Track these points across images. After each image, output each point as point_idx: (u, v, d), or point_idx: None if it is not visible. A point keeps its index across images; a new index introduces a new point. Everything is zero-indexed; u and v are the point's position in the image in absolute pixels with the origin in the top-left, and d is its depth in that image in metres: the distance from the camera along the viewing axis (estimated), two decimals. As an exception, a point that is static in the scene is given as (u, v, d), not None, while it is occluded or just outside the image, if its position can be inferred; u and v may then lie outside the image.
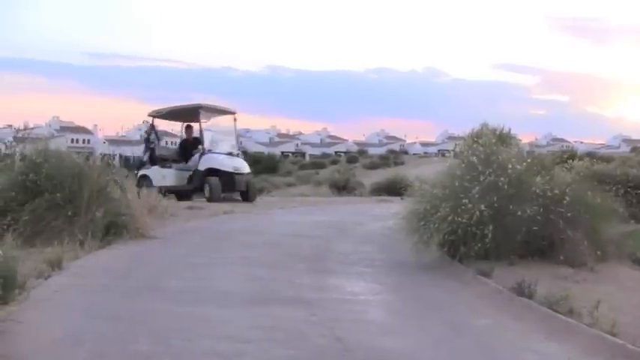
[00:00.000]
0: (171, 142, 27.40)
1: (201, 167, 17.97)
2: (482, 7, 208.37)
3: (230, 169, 17.97)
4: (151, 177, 18.81)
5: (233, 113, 19.84)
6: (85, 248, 9.62)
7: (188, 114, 19.33)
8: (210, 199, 17.41)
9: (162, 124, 21.10)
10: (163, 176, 18.70)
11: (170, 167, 18.95)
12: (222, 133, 19.76)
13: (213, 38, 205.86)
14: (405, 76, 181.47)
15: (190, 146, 19.10)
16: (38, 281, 7.47)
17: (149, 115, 19.89)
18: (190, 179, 18.30)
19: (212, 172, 17.88)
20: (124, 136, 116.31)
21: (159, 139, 20.28)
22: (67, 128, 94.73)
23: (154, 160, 19.29)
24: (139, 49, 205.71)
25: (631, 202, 13.37)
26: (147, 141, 19.82)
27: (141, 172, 19.13)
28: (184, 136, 19.92)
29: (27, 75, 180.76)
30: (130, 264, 9.18)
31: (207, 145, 18.46)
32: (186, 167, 18.70)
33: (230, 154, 18.77)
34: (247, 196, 18.42)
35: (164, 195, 17.68)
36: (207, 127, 19.20)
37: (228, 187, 17.97)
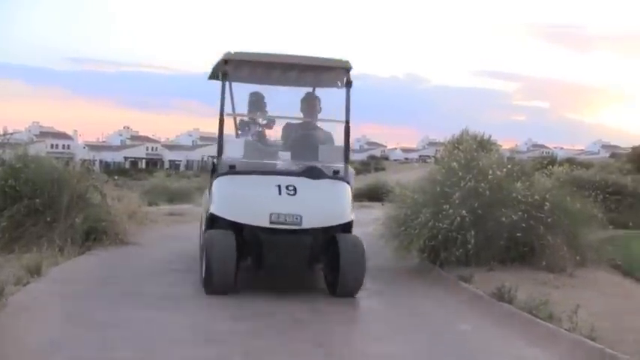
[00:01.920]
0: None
1: (209, 209, 8.20)
2: (463, 14, 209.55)
3: (259, 222, 7.79)
4: None
5: (341, 67, 8.58)
6: (64, 254, 9.53)
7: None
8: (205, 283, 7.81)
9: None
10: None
11: None
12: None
13: (197, 44, 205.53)
14: (386, 82, 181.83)
15: (300, 138, 8.88)
16: (17, 288, 7.38)
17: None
18: None
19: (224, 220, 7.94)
20: (105, 141, 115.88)
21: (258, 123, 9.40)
22: (46, 134, 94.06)
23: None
24: (122, 55, 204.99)
25: (610, 207, 13.49)
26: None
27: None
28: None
29: (7, 80, 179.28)
30: (110, 270, 9.12)
31: (227, 149, 8.43)
32: None
33: (310, 171, 8.20)
34: (334, 286, 7.91)
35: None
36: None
37: (257, 258, 7.95)
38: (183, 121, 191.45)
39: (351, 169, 8.78)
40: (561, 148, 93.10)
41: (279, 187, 7.88)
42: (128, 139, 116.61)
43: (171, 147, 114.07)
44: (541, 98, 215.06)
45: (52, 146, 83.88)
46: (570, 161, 23.46)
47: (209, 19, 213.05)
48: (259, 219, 7.76)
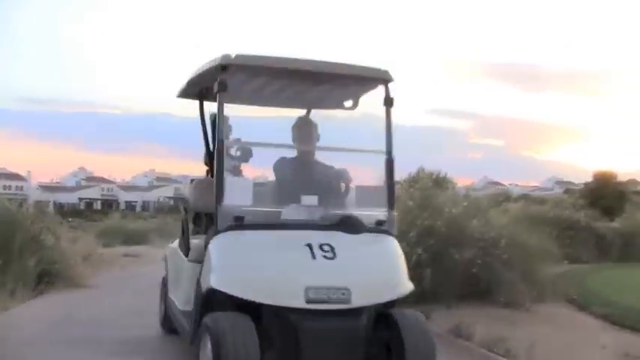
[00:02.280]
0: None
1: (203, 281, 5.21)
2: (416, 53, 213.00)
3: (290, 301, 4.86)
4: None
5: (378, 79, 5.85)
6: (16, 298, 9.33)
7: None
8: None
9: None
10: None
11: None
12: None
13: (154, 85, 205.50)
14: (341, 122, 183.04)
15: (295, 178, 5.88)
16: (-34, 334, 7.20)
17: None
18: None
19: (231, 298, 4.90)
20: (59, 182, 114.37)
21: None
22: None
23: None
24: (77, 95, 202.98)
25: (564, 242, 13.72)
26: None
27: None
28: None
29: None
30: (63, 314, 8.92)
31: (230, 193, 5.19)
32: None
33: (346, 222, 5.38)
34: None
35: None
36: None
37: (287, 352, 4.85)
38: (139, 162, 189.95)
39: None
40: (516, 185, 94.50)
41: (311, 246, 5.13)
42: (83, 179, 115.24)
43: (127, 188, 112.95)
44: (496, 136, 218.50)
45: (4, 187, 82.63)
46: (525, 198, 23.81)
47: (165, 62, 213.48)
48: (290, 297, 4.91)
